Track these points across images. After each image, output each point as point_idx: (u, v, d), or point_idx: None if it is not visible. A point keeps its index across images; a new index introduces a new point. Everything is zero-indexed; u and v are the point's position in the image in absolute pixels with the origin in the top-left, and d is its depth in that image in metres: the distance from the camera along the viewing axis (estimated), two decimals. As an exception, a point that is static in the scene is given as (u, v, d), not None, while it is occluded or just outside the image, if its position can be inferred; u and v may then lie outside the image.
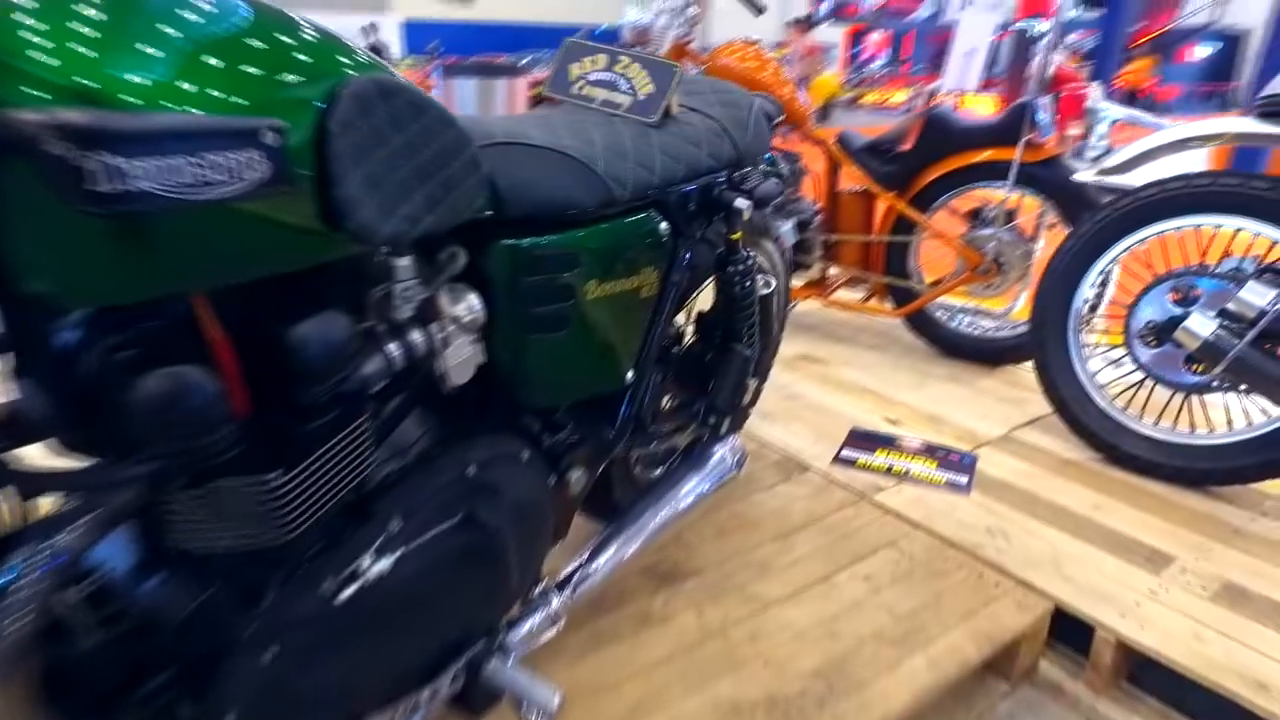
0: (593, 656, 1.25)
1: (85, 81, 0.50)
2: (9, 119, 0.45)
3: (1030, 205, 2.29)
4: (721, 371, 1.36)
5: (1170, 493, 1.75)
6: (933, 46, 13.58)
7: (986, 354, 2.41)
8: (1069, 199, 2.18)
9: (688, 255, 1.20)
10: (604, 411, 1.17)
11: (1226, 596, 1.42)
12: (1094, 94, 2.20)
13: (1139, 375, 1.81)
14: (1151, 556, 1.53)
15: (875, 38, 14.88)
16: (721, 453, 1.40)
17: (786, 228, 2.44)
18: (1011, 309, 2.41)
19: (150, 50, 0.53)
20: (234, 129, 0.55)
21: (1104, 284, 1.89)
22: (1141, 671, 1.37)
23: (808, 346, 2.58)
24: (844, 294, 2.69)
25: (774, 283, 1.49)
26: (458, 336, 0.86)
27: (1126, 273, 1.88)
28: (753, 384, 1.54)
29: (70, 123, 0.46)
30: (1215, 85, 12.02)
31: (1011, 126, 2.18)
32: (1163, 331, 1.75)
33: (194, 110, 0.54)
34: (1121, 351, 1.82)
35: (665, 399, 1.39)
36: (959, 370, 2.40)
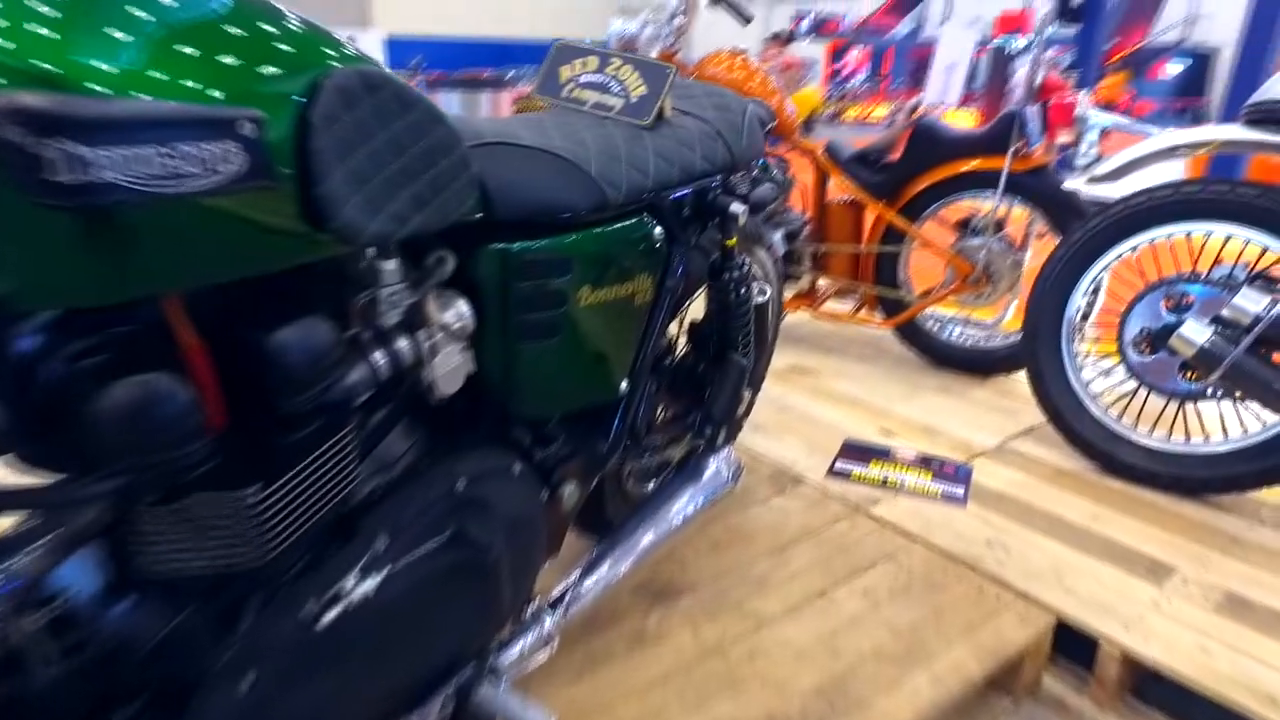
0: (587, 678, 1.21)
1: (45, 65, 0.46)
2: None
3: (1019, 215, 2.29)
4: (717, 381, 1.33)
5: (1168, 502, 1.73)
6: (912, 63, 13.74)
7: (978, 364, 2.40)
8: (1058, 208, 2.18)
9: (682, 261, 1.18)
10: (597, 423, 1.13)
11: (1229, 607, 1.40)
12: (1083, 102, 2.20)
13: (1133, 383, 1.80)
14: (1152, 567, 1.51)
15: (855, 54, 15.07)
16: (717, 465, 1.36)
17: (775, 238, 2.43)
18: (1002, 319, 2.40)
19: (118, 34, 0.50)
20: (209, 118, 0.51)
21: (1096, 292, 1.88)
22: (1146, 685, 1.35)
23: (798, 358, 2.56)
24: (833, 305, 2.67)
25: (769, 290, 1.47)
26: (446, 344, 0.83)
27: (1117, 280, 1.88)
28: (747, 395, 1.52)
29: (27, 106, 0.43)
30: (1188, 100, 12.25)
31: (1000, 136, 2.19)
32: (1157, 339, 1.74)
33: (165, 99, 0.50)
34: (1114, 360, 1.81)
35: (659, 410, 1.36)
36: (950, 381, 2.39)
